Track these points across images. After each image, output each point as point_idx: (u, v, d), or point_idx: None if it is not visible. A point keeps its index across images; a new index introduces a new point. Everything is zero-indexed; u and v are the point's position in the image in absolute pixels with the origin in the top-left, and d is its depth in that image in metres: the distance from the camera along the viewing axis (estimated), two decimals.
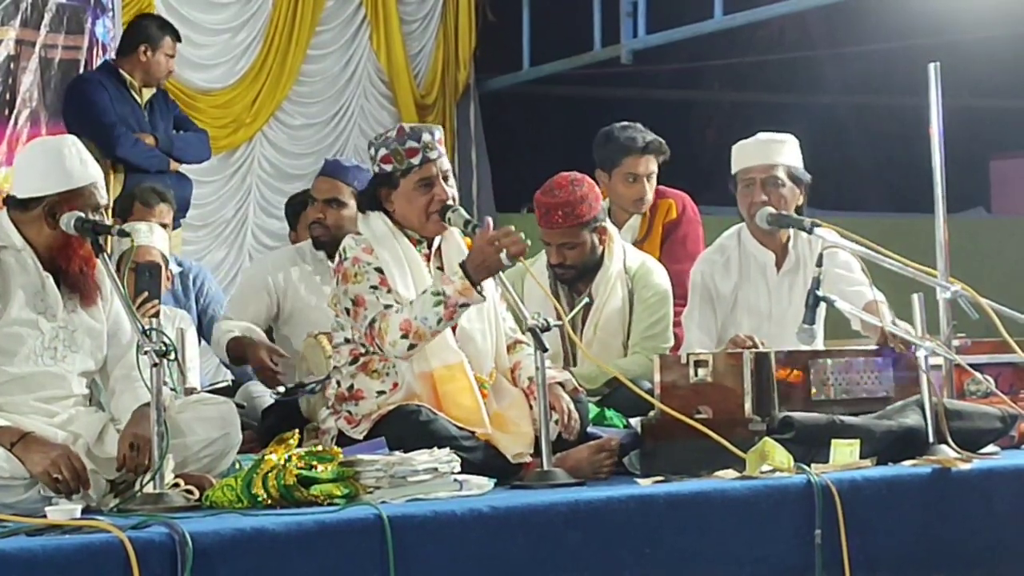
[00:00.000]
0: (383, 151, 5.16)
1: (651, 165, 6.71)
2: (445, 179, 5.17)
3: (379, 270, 5.08)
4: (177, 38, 8.22)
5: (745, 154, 5.87)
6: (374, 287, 5.06)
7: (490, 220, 5.07)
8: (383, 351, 5.01)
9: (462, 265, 4.94)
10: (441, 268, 5.18)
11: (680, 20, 10.74)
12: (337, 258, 5.20)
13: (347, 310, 5.09)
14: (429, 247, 5.20)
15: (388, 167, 5.16)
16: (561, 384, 5.14)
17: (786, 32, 14.62)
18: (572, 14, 11.47)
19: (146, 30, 8.16)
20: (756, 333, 5.40)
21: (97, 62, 8.94)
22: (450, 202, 5.13)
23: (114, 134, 7.85)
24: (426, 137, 5.15)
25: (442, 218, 5.13)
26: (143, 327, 4.28)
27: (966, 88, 12.92)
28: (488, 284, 5.17)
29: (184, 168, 8.22)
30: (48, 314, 4.55)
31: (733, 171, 5.88)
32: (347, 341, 5.14)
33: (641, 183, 6.66)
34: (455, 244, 5.23)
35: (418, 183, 5.14)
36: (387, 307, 5.01)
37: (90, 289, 4.63)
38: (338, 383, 5.13)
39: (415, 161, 5.13)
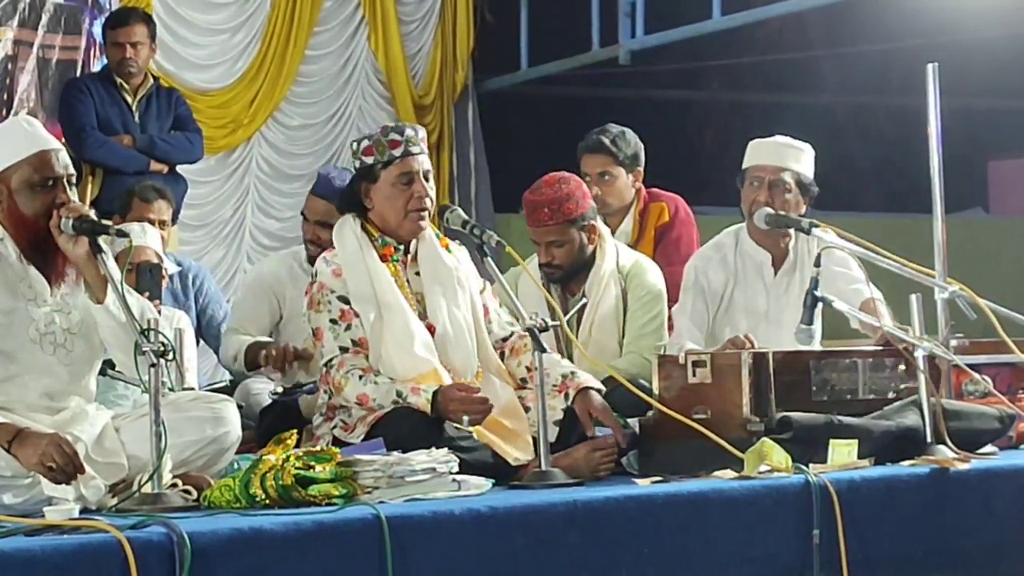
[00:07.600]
0: (365, 143, 5.14)
1: (600, 164, 6.54)
2: (426, 178, 5.12)
3: (343, 299, 5.06)
4: (144, 23, 8.04)
5: (759, 152, 5.83)
6: (334, 321, 5.06)
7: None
8: (336, 395, 5.03)
9: (435, 393, 4.86)
10: (419, 273, 5.15)
11: (678, 20, 10.73)
12: (312, 275, 5.19)
13: (313, 332, 5.13)
14: (407, 252, 5.17)
15: (369, 159, 5.12)
16: (597, 391, 5.08)
17: (784, 32, 14.60)
18: (570, 14, 11.45)
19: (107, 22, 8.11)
20: (753, 333, 5.39)
21: (94, 62, 8.93)
22: (427, 203, 5.09)
23: (81, 136, 7.83)
24: (409, 132, 5.14)
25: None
26: (140, 327, 4.27)
27: (965, 89, 12.91)
28: (471, 280, 5.20)
29: (182, 169, 8.19)
30: (39, 300, 4.49)
31: (744, 166, 5.84)
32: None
33: (593, 183, 6.45)
34: (431, 247, 5.19)
35: (398, 177, 5.10)
36: (343, 350, 5.02)
37: (57, 267, 4.51)
38: (328, 395, 5.11)
39: (397, 153, 5.09)
